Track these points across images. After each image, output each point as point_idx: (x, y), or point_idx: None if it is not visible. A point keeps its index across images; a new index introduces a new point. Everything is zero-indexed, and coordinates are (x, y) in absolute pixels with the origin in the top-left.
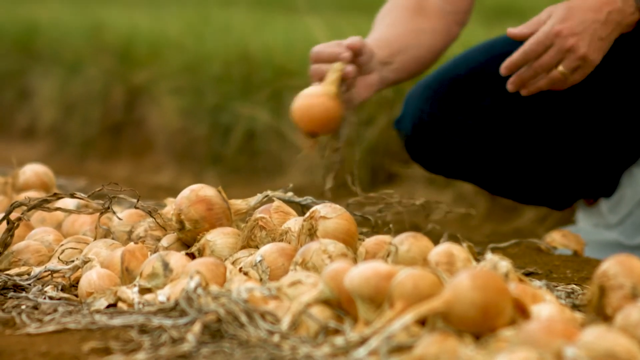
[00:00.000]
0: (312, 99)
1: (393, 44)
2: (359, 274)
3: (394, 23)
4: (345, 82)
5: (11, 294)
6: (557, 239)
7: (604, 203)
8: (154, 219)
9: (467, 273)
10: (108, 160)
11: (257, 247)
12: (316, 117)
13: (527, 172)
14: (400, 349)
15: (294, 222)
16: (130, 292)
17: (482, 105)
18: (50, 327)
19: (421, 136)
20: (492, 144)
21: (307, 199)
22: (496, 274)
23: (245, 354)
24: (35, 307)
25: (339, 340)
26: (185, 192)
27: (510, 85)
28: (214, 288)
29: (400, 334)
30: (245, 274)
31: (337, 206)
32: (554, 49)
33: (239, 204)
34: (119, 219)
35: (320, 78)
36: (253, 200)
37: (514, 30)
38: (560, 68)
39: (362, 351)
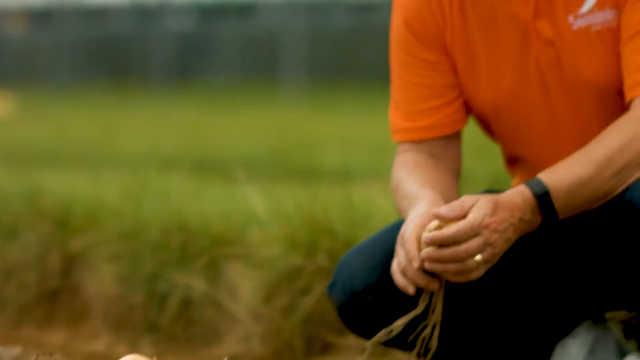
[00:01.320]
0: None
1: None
2: None
3: (427, 183)
4: None
5: None
6: None
7: None
8: None
9: None
10: (44, 327)
11: None
12: None
13: (461, 341)
14: None
15: None
16: None
17: None
18: None
19: (354, 304)
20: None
21: None
22: None
23: None
24: None
25: None
26: None
27: (425, 257)
28: None
29: None
30: None
31: None
32: (480, 239)
33: None
34: None
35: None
36: None
37: (441, 212)
38: (478, 257)
39: None
